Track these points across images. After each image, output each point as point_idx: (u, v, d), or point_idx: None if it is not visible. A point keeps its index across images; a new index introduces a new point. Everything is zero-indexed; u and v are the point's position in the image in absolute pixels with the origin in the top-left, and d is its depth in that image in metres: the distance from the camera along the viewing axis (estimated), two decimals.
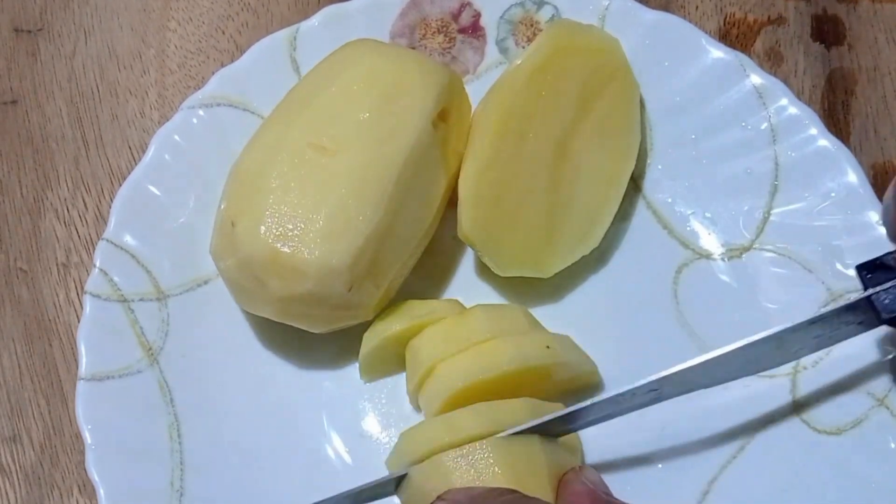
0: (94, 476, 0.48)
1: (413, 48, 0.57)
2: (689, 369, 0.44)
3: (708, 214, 0.53)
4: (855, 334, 0.45)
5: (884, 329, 0.46)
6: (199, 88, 0.55)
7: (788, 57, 0.59)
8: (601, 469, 0.48)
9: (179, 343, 0.51)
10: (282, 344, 0.52)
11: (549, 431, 0.45)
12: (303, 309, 0.48)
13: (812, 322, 0.44)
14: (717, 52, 0.54)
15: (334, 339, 0.51)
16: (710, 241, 0.53)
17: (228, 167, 0.51)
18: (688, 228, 0.53)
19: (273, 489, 0.49)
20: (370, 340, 0.50)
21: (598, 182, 0.52)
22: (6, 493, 0.52)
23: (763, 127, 0.52)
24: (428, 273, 0.53)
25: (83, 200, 0.59)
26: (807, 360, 0.49)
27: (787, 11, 0.60)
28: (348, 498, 0.45)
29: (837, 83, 0.58)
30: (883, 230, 0.49)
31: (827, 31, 0.59)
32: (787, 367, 0.48)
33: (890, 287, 0.44)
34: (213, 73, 0.56)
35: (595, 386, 0.50)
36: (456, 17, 0.57)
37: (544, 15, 0.56)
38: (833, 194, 0.51)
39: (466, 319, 0.49)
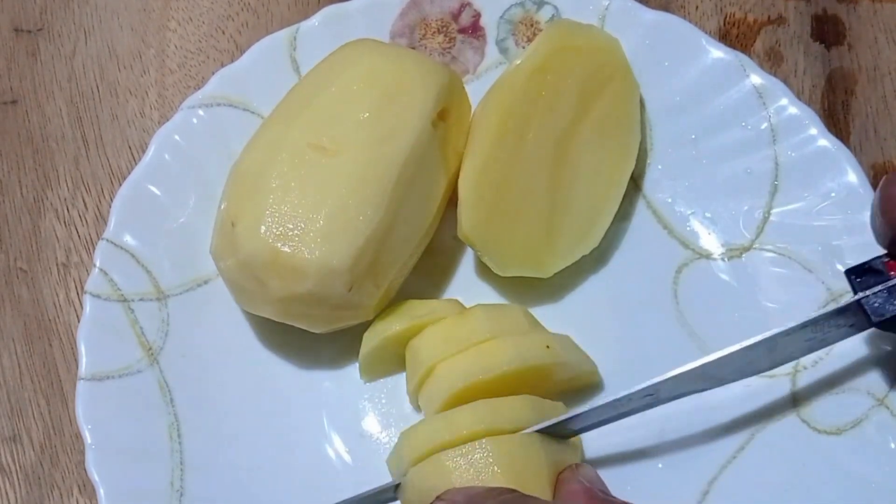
0: (94, 476, 0.47)
1: (413, 48, 0.57)
2: (682, 374, 0.44)
3: (708, 214, 0.53)
4: (846, 337, 0.46)
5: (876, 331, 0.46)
6: (199, 88, 0.55)
7: (788, 57, 0.59)
8: (601, 468, 0.48)
9: (179, 343, 0.51)
10: (282, 344, 0.52)
11: (550, 432, 0.45)
12: (303, 309, 0.48)
13: (803, 326, 0.44)
14: (717, 52, 0.54)
15: (334, 339, 0.51)
16: (710, 241, 0.52)
17: (228, 167, 0.51)
18: (688, 228, 0.53)
19: (273, 489, 0.49)
20: (370, 340, 0.50)
21: (597, 182, 0.52)
22: (6, 493, 0.52)
23: (763, 127, 0.52)
24: (428, 273, 0.53)
25: (83, 200, 0.58)
26: (807, 360, 0.49)
27: (787, 11, 0.60)
28: None
29: (837, 83, 0.58)
30: None
31: (827, 31, 0.59)
32: (787, 367, 0.48)
33: (879, 290, 0.44)
34: (213, 73, 0.56)
35: (595, 386, 0.50)
36: (456, 17, 0.57)
37: (544, 15, 0.56)
38: (833, 194, 0.51)
39: (466, 319, 0.49)
